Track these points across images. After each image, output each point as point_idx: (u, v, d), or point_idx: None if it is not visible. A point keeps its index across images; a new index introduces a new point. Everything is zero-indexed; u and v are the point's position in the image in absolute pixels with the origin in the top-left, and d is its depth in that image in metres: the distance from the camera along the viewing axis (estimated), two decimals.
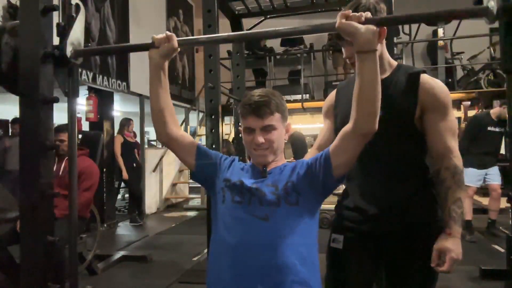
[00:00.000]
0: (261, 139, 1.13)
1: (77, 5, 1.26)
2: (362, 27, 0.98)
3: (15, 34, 1.28)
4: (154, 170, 6.55)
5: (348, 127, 1.07)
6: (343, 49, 1.34)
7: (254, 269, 1.04)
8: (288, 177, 1.16)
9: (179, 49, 1.16)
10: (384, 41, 1.35)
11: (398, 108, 1.27)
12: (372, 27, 0.99)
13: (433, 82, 1.28)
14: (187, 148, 1.22)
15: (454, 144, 1.26)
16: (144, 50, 1.19)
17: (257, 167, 1.21)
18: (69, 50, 1.25)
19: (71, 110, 1.34)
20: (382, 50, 1.33)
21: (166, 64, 1.18)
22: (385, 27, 1.31)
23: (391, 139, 1.29)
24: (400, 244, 1.26)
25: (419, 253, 1.27)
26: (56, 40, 1.28)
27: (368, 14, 1.01)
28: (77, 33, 1.27)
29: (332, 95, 1.51)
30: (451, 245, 1.18)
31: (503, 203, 4.42)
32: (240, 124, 1.24)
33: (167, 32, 1.13)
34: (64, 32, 1.25)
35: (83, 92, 5.33)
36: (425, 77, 1.29)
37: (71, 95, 1.32)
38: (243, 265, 1.05)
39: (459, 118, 8.28)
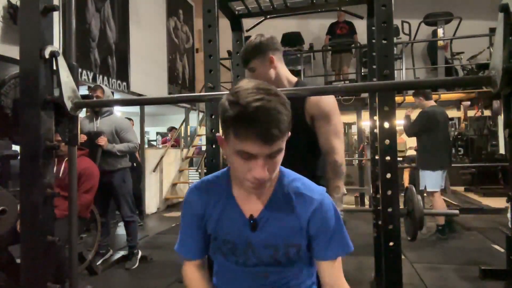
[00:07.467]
0: (264, 173, 0.82)
1: (52, 53, 1.23)
2: None
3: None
4: (154, 170, 6.55)
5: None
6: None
7: None
8: (290, 236, 0.96)
9: None
10: (280, 60, 1.59)
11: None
12: None
13: (318, 97, 1.50)
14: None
15: (337, 143, 1.50)
16: None
17: (242, 214, 0.97)
18: (68, 105, 1.29)
19: (71, 156, 1.37)
20: (277, 71, 1.58)
21: None
22: (271, 56, 1.56)
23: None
24: None
25: None
26: (56, 41, 1.27)
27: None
28: (67, 83, 1.29)
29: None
30: None
31: (503, 202, 4.42)
32: (221, 134, 0.87)
33: None
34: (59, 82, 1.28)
35: (83, 92, 5.32)
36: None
37: (71, 144, 1.36)
38: None
39: (459, 118, 8.29)
